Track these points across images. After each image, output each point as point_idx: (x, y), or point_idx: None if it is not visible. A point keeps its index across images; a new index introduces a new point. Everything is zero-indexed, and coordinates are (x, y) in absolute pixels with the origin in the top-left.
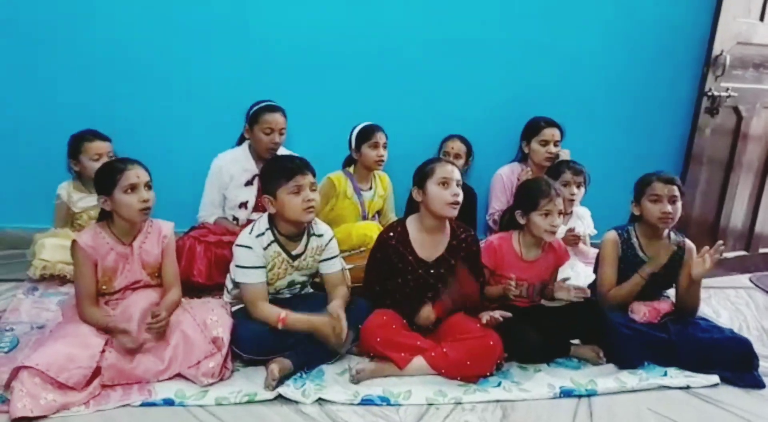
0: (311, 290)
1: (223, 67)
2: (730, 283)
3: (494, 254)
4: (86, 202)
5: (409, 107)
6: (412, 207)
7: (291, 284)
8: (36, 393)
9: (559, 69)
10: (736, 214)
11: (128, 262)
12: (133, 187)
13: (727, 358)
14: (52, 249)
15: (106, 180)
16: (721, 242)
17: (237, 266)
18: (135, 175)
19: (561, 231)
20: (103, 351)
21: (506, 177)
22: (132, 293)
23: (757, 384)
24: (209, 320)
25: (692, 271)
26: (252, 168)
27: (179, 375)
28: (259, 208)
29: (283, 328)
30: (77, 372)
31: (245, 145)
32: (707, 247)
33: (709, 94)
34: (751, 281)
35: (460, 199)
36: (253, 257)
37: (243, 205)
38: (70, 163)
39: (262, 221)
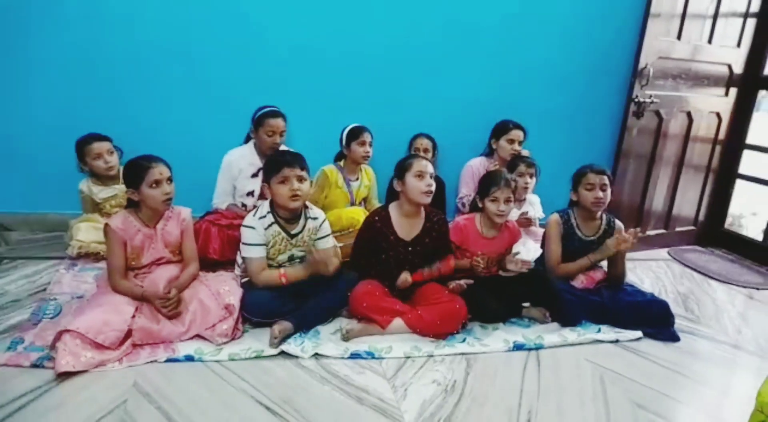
0: None
1: (236, 79)
2: (652, 256)
3: (460, 232)
4: (105, 193)
5: (388, 112)
6: (391, 195)
7: (291, 258)
8: (77, 352)
9: (514, 79)
10: (657, 200)
11: (153, 242)
12: (157, 182)
13: (649, 317)
14: (86, 231)
15: (133, 176)
16: (638, 228)
17: (243, 243)
18: (158, 172)
19: (515, 214)
20: (134, 316)
21: (475, 168)
22: (157, 268)
23: (673, 338)
24: (222, 290)
25: (607, 241)
26: (257, 162)
27: (198, 336)
28: (263, 195)
29: (287, 283)
30: (112, 334)
31: (251, 143)
32: (632, 229)
33: (636, 100)
34: (668, 254)
35: (433, 188)
36: (256, 235)
37: (250, 193)
38: (80, 164)
39: (264, 206)
